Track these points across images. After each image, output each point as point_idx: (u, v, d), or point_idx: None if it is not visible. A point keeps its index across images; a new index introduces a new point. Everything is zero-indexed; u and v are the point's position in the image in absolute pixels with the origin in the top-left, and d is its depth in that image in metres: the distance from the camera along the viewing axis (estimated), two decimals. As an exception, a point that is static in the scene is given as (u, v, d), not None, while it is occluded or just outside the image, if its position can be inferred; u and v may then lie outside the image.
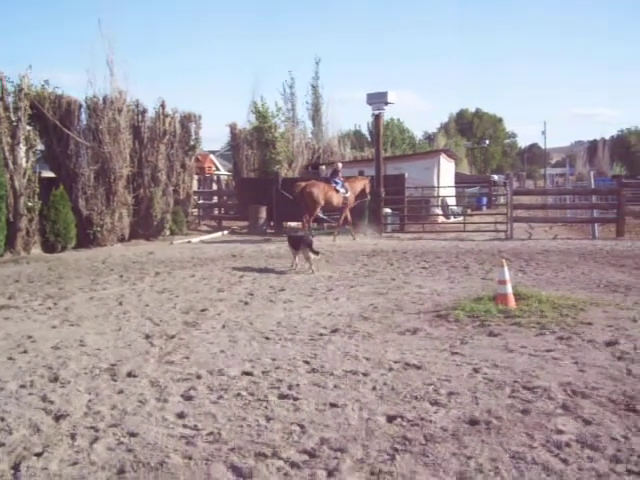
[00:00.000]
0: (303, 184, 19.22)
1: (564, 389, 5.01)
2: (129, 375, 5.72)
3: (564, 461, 3.76)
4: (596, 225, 19.98)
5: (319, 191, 18.78)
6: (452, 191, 29.64)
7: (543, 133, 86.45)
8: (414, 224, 23.54)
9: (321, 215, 19.92)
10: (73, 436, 4.32)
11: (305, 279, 11.33)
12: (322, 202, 18.82)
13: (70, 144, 17.82)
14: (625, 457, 3.80)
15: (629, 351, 6.08)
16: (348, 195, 19.74)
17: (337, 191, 19.42)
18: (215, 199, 29.37)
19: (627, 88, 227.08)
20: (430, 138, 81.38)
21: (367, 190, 20.90)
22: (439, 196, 26.04)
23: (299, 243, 12.65)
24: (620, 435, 4.11)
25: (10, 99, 15.84)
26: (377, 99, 22.22)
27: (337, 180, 19.74)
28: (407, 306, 8.65)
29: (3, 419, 4.65)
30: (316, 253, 12.46)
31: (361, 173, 22.38)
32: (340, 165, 21.20)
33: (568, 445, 3.98)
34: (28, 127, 16.34)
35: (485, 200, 37.26)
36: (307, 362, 6.01)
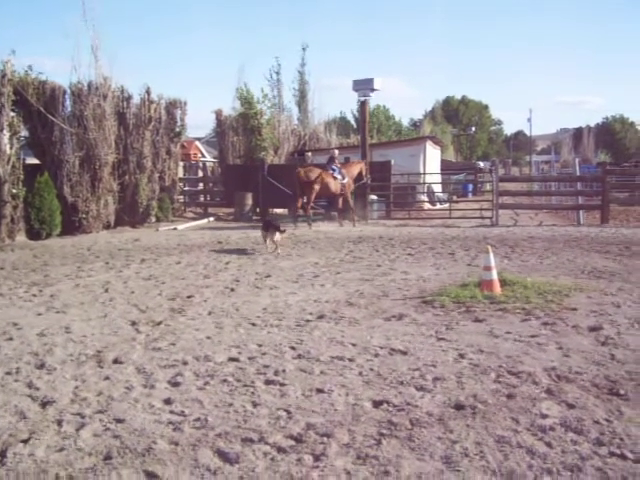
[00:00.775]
0: (301, 170, 19.26)
1: (548, 374, 5.06)
2: (115, 362, 5.72)
3: (548, 444, 3.80)
4: (581, 212, 20.11)
5: (316, 177, 18.82)
6: (438, 178, 29.72)
7: (529, 120, 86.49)
8: (400, 211, 23.61)
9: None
10: (59, 422, 4.31)
11: (291, 265, 11.34)
12: (318, 188, 18.87)
13: (55, 130, 17.66)
14: (608, 440, 3.84)
15: (613, 336, 6.14)
16: (345, 181, 19.79)
17: (334, 178, 19.47)
18: (201, 186, 29.27)
19: (612, 76, 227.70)
20: (416, 125, 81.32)
21: (364, 173, 20.98)
22: (425, 183, 26.09)
23: (268, 226, 13.54)
24: (603, 419, 4.16)
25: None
26: (363, 85, 22.21)
27: (334, 167, 19.77)
28: (393, 292, 8.69)
29: (-11, 406, 4.64)
30: (282, 231, 13.39)
31: (347, 160, 22.38)
32: (336, 152, 21.24)
33: (552, 429, 4.02)
34: (12, 113, 16.14)
35: (471, 187, 37.38)
36: (293, 348, 6.03)
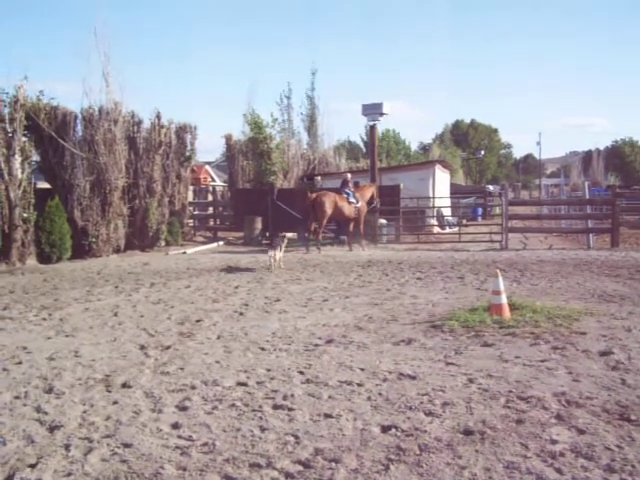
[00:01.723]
0: (314, 194, 19.30)
1: (558, 399, 5.02)
2: (124, 386, 5.72)
3: (558, 471, 3.77)
4: (591, 235, 20.04)
5: (330, 201, 18.83)
6: (447, 202, 29.71)
7: (538, 144, 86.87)
8: (409, 235, 23.57)
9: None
10: (67, 447, 4.31)
11: (300, 290, 11.33)
12: (330, 212, 18.87)
13: (66, 155, 17.81)
14: (619, 467, 3.81)
15: (623, 361, 6.10)
16: (360, 205, 19.80)
17: (349, 202, 19.48)
18: (210, 210, 29.38)
19: (621, 98, 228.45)
20: (425, 149, 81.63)
21: (375, 196, 21.00)
22: (434, 207, 26.09)
23: (269, 246, 15.21)
24: (614, 445, 4.12)
25: (6, 110, 15.86)
26: (372, 110, 22.35)
27: (347, 191, 19.78)
28: (402, 316, 8.66)
29: (-3, 430, 4.64)
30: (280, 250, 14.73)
31: (356, 184, 22.43)
32: (349, 176, 21.24)
33: (562, 455, 3.99)
34: (23, 138, 16.34)
35: (480, 211, 37.34)
36: (302, 372, 6.01)
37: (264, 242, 22.11)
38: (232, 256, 18.26)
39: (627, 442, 4.17)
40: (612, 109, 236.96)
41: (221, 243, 23.45)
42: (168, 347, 7.16)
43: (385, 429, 4.51)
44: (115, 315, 9.21)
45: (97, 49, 18.79)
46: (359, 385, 5.56)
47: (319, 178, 26.08)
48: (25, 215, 15.92)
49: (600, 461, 3.90)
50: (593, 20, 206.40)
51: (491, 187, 52.95)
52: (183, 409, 5.05)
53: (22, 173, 15.99)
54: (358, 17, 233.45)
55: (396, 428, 4.50)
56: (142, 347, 7.20)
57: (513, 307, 8.41)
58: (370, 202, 20.81)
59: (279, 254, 14.63)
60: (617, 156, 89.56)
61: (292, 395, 5.32)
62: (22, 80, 16.30)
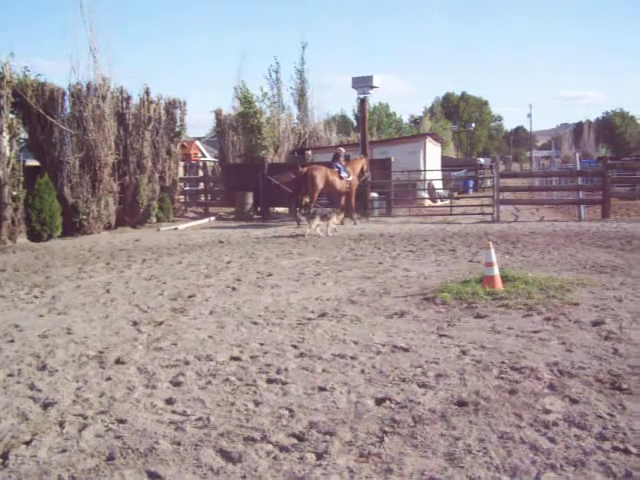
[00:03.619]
0: (306, 168, 19.20)
1: (551, 369, 5.04)
2: (117, 362, 5.71)
3: (552, 440, 3.79)
4: (582, 207, 20.08)
5: (321, 175, 18.72)
6: (438, 174, 29.70)
7: (529, 116, 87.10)
8: (401, 208, 23.57)
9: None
10: (62, 424, 4.31)
11: (292, 264, 11.33)
12: (322, 186, 18.78)
13: (54, 132, 17.67)
14: (611, 435, 3.83)
15: (615, 331, 6.12)
16: (351, 179, 19.72)
17: (340, 176, 19.37)
18: (201, 185, 29.27)
19: (612, 70, 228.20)
20: (416, 122, 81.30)
21: (365, 169, 20.92)
22: (426, 180, 26.07)
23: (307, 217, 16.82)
24: (606, 413, 4.15)
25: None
26: (362, 83, 22.19)
27: (338, 164, 19.67)
28: (394, 289, 8.67)
29: (-9, 408, 4.63)
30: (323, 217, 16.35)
31: (347, 158, 22.36)
32: (343, 150, 21.07)
33: (555, 424, 4.01)
34: (11, 115, 16.17)
35: (471, 183, 37.34)
36: (295, 346, 6.02)
37: (255, 217, 22.14)
38: (223, 231, 18.25)
39: (619, 410, 4.20)
40: (607, 81, 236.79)
41: (212, 219, 23.39)
42: (161, 323, 7.16)
43: (379, 401, 4.52)
44: (107, 292, 9.19)
45: (84, 24, 18.58)
46: (352, 358, 5.57)
47: (310, 152, 25.99)
48: (14, 193, 15.83)
49: (592, 429, 3.92)
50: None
51: (482, 160, 52.90)
52: (177, 384, 5.05)
53: (10, 151, 15.85)
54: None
55: (390, 400, 4.51)
56: (135, 323, 7.19)
57: (505, 279, 8.42)
58: (361, 175, 20.75)
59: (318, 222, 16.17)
60: (608, 127, 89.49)
61: (286, 369, 5.32)
62: (8, 56, 16.12)
